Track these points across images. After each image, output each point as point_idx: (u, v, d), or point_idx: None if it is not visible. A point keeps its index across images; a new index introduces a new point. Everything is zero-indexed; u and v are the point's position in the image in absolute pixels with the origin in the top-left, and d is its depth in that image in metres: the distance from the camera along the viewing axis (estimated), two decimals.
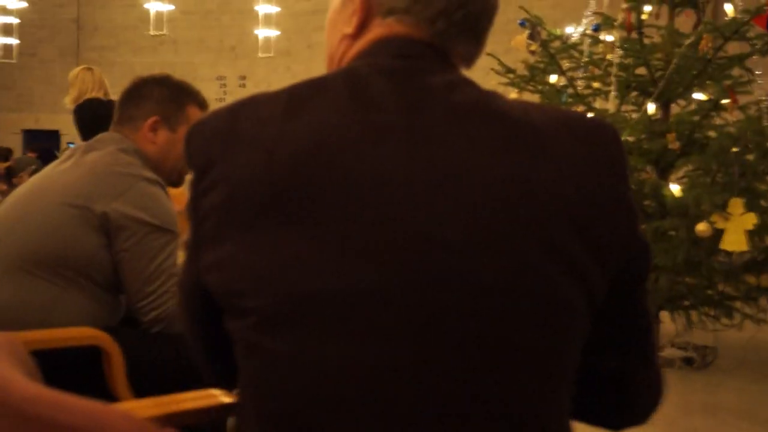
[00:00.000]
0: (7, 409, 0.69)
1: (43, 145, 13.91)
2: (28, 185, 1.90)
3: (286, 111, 0.79)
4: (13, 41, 13.67)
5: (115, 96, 2.02)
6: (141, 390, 1.59)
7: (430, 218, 0.73)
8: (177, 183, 2.03)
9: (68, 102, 4.66)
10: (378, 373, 0.71)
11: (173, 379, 1.50)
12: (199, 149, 0.82)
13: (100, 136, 1.95)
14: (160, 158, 1.94)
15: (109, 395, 1.57)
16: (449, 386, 0.71)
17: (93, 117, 4.37)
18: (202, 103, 2.04)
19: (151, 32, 12.77)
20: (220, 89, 13.67)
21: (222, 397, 1.22)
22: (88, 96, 4.62)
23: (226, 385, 1.03)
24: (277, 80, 13.38)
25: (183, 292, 0.93)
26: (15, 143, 14.48)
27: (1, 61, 13.82)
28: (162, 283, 1.79)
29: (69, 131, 14.87)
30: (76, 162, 1.85)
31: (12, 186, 8.29)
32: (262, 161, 0.76)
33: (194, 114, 2.00)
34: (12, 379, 0.71)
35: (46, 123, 15.44)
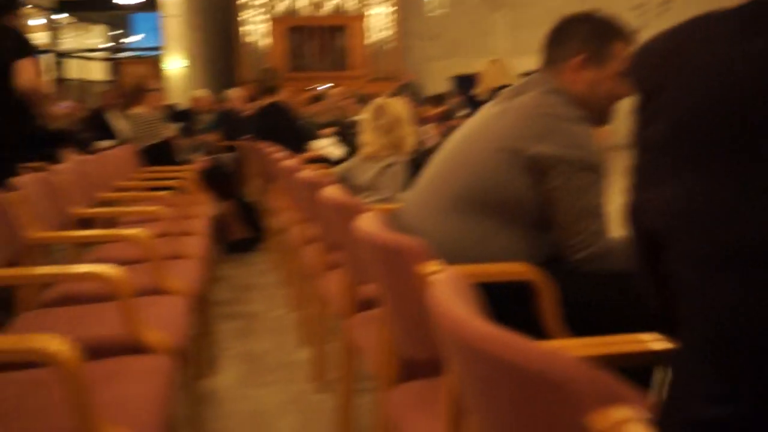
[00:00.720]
0: (462, 346, 0.77)
1: (472, 89, 14.83)
2: (465, 129, 2.04)
3: (741, 30, 0.70)
4: None
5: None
6: (570, 328, 1.63)
7: None
8: (604, 121, 2.01)
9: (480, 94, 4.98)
10: None
11: (602, 318, 1.50)
12: (646, 73, 0.77)
13: (526, 79, 2.01)
14: (587, 97, 1.93)
15: (539, 332, 1.64)
16: None
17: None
18: (628, 38, 1.96)
19: None
20: (639, 18, 13.05)
21: (652, 343, 1.19)
22: (494, 86, 4.88)
23: (668, 328, 1.00)
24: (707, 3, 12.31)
25: (627, 227, 0.90)
26: (447, 88, 15.71)
27: (434, 13, 14.99)
28: (591, 222, 1.80)
29: None
30: (504, 108, 1.93)
31: (448, 129, 9.03)
32: (716, 86, 0.69)
33: (620, 49, 1.94)
34: (466, 317, 0.78)
35: (474, 67, 16.42)
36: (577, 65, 1.93)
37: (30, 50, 3.78)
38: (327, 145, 5.45)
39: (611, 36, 1.94)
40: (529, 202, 1.83)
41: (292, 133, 5.34)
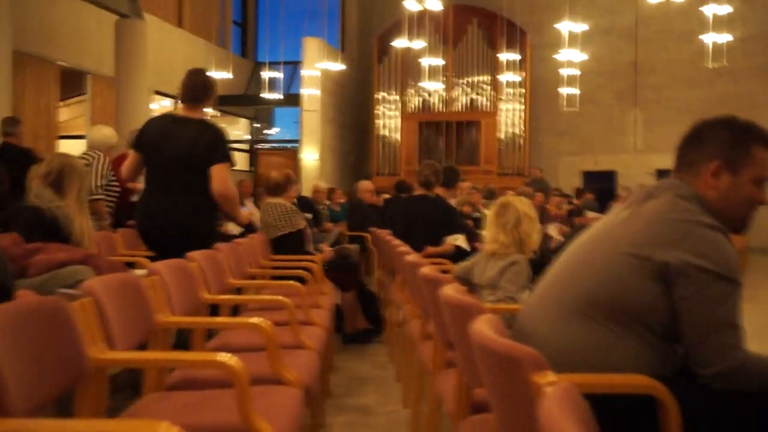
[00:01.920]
0: None
1: (601, 186, 14.60)
2: (592, 231, 2.00)
3: None
4: (575, 91, 14.74)
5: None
6: None
7: None
8: (740, 229, 1.91)
9: None
10: None
11: None
12: None
13: (659, 182, 1.95)
14: (722, 204, 1.86)
15: None
16: None
17: None
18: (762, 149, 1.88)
19: (710, 64, 12.39)
20: None
21: None
22: None
23: None
24: None
25: None
26: (576, 184, 15.52)
27: (565, 110, 15.02)
28: (725, 335, 1.69)
29: (625, 171, 15.37)
30: (634, 211, 1.88)
31: (575, 227, 8.86)
32: None
33: (761, 155, 1.86)
34: (565, 428, 0.74)
35: (604, 164, 16.20)
36: (713, 171, 1.86)
37: (227, 155, 3.95)
38: (460, 239, 5.46)
39: (750, 141, 1.87)
40: (657, 311, 1.75)
41: (443, 224, 5.39)
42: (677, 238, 1.74)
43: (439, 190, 5.64)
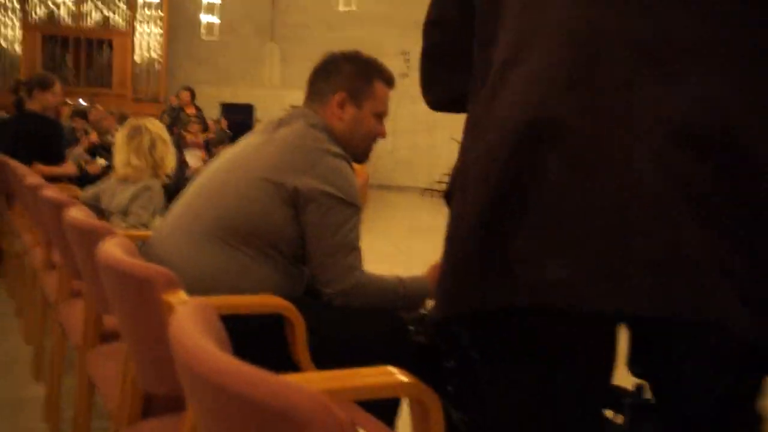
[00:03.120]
0: (199, 378, 0.72)
1: (240, 118, 14.72)
2: (224, 159, 1.99)
3: None
4: (215, 19, 14.55)
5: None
6: (320, 360, 1.63)
7: None
8: (362, 159, 2.06)
9: None
10: None
11: (352, 353, 1.52)
12: None
13: (291, 112, 2.01)
14: (347, 134, 1.97)
15: (290, 363, 1.62)
16: None
17: None
18: (389, 80, 2.04)
19: (341, 8, 13.09)
20: (404, 63, 13.82)
21: (399, 375, 1.21)
22: None
23: None
24: None
25: None
26: (215, 116, 15.48)
27: (205, 38, 14.77)
28: (346, 256, 1.82)
29: (263, 105, 15.68)
30: (268, 138, 1.91)
31: (212, 156, 8.85)
32: None
33: (381, 91, 2.01)
34: (206, 349, 0.74)
35: (242, 97, 16.36)
36: (338, 102, 1.96)
37: None
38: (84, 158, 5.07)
39: (372, 76, 2.00)
40: (288, 235, 1.82)
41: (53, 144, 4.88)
42: (307, 165, 1.81)
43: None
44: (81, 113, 8.11)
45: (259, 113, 15.71)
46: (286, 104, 14.57)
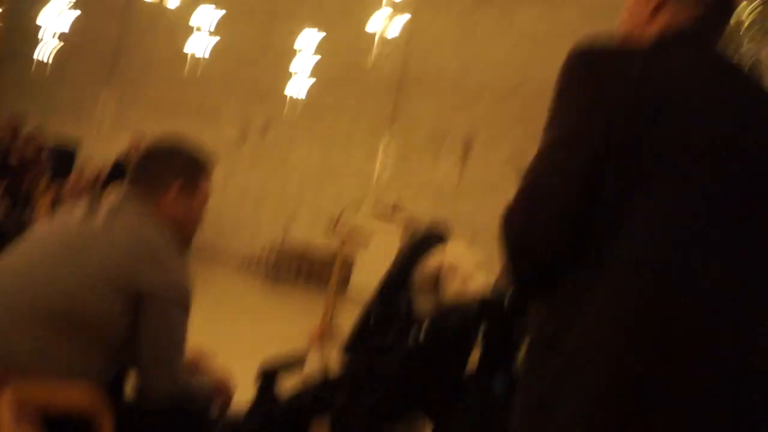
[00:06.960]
0: None
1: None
2: (60, 235, 1.90)
3: None
4: None
5: None
6: None
7: None
8: (187, 246, 2.04)
9: None
10: None
11: None
12: None
13: (124, 194, 1.94)
14: (182, 223, 1.97)
15: None
16: None
17: None
18: (210, 171, 2.07)
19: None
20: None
21: None
22: None
23: None
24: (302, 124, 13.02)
25: None
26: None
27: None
28: (177, 359, 1.85)
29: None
30: (108, 227, 1.86)
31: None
32: None
33: (205, 181, 2.04)
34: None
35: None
36: (175, 192, 1.95)
37: None
38: None
39: (201, 168, 2.03)
40: (119, 332, 1.79)
41: None
42: (151, 263, 1.80)
43: None
44: None
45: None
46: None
